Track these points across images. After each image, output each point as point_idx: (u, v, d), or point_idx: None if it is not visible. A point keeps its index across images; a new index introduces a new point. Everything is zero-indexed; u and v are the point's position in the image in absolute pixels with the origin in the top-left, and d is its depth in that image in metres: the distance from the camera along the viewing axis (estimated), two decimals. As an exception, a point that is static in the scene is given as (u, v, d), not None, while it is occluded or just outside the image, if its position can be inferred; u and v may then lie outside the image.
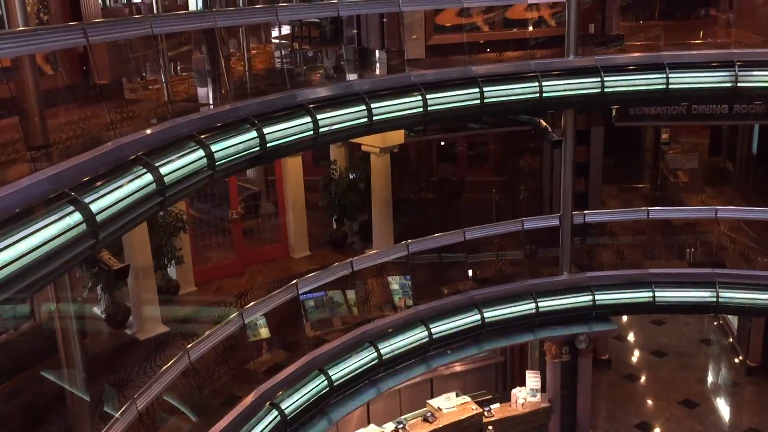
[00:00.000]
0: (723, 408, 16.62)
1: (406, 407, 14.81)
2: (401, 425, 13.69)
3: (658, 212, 14.32)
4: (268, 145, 9.68)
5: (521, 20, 15.51)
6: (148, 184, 7.54)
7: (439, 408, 14.16)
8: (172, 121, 8.60)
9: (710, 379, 17.76)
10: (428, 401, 14.49)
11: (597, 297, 14.05)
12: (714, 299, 13.99)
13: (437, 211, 17.58)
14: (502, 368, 16.33)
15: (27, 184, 6.31)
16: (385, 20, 15.08)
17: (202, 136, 8.68)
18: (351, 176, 16.05)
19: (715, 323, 19.64)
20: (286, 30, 17.24)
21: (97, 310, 13.47)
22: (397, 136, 15.12)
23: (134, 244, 12.35)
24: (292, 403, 10.81)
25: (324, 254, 15.71)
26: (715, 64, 12.87)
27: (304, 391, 11.13)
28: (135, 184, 7.39)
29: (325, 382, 11.48)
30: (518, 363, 16.13)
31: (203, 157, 8.53)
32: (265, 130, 9.60)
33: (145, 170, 7.59)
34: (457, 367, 15.89)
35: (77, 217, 6.47)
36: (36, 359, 11.28)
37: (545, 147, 17.22)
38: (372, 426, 13.85)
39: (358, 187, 15.83)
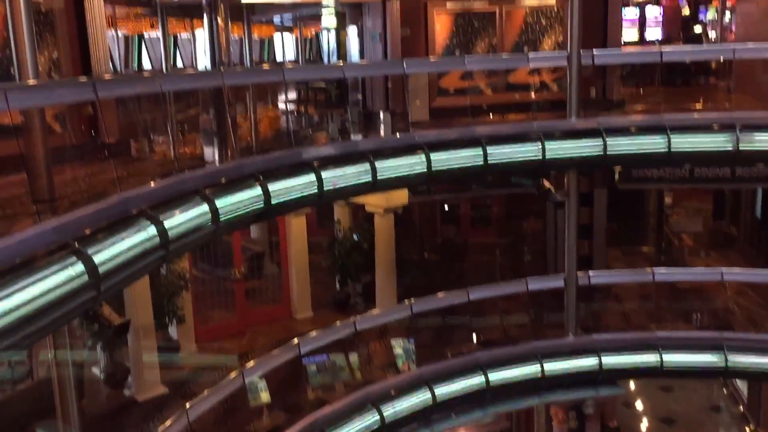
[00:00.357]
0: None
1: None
2: (404, 492, 13.26)
3: (663, 274, 14.21)
4: (273, 201, 9.71)
5: (524, 84, 15.79)
6: (152, 237, 7.53)
7: (443, 475, 13.76)
8: (177, 176, 8.65)
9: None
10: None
11: (604, 360, 13.80)
12: (722, 363, 13.74)
13: (441, 273, 17.51)
14: (507, 434, 15.98)
15: (30, 234, 6.31)
16: (389, 84, 15.38)
17: (207, 191, 8.71)
18: (355, 237, 16.06)
19: (725, 390, 19.27)
20: (292, 95, 17.59)
21: (96, 370, 13.31)
22: (400, 197, 15.20)
23: (135, 302, 12.29)
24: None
25: (327, 315, 15.58)
26: (716, 126, 12.99)
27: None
28: (138, 237, 7.38)
29: (329, 445, 11.22)
30: (524, 430, 15.78)
31: (207, 212, 8.53)
32: (270, 187, 9.65)
33: (149, 223, 7.59)
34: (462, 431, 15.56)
35: (80, 268, 6.44)
36: (33, 419, 11.10)
37: (549, 209, 17.30)
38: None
39: (362, 248, 15.83)
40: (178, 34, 22.73)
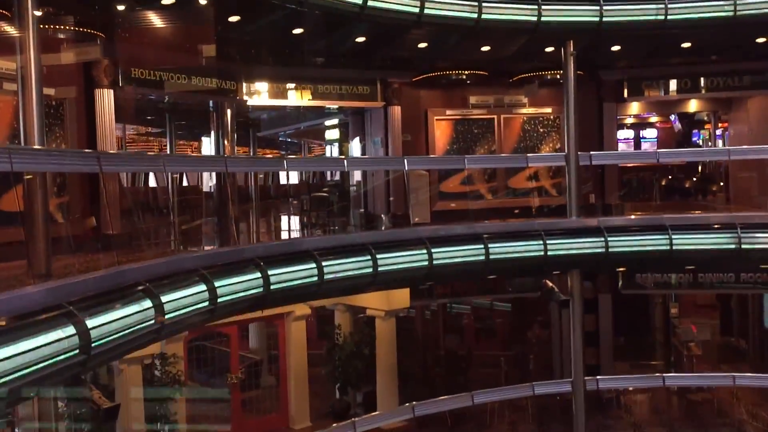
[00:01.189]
0: None
1: None
2: None
3: (674, 379, 13.75)
4: (272, 287, 9.56)
5: (523, 190, 15.98)
6: (146, 309, 7.35)
7: None
8: (177, 255, 8.57)
9: None
10: None
11: (617, 470, 13.13)
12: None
13: (444, 384, 16.93)
14: None
15: (24, 293, 6.18)
16: (390, 191, 15.57)
17: (206, 272, 8.60)
18: (355, 346, 15.64)
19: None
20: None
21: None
22: (402, 299, 15.00)
23: (128, 407, 11.81)
24: None
25: (326, 425, 14.92)
26: (717, 226, 13.01)
27: None
28: (133, 308, 7.21)
29: None
30: None
31: (205, 291, 8.38)
32: (269, 272, 9.53)
33: (144, 296, 7.44)
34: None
35: (70, 330, 6.24)
36: None
37: (553, 316, 17.05)
38: None
39: (363, 354, 15.43)
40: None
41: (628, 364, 18.88)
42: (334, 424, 11.79)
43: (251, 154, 20.00)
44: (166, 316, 7.66)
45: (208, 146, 17.94)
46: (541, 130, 16.34)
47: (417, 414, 12.37)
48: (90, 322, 6.46)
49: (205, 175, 21.00)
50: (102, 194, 8.80)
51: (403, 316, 18.68)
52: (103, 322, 6.65)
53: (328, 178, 20.99)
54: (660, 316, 19.63)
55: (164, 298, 7.69)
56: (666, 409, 14.84)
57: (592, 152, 13.26)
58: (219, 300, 8.66)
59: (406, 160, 12.09)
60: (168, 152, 17.21)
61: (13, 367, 5.54)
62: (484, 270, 12.59)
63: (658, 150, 15.15)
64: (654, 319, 19.19)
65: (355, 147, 17.06)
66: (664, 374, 13.68)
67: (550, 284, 13.42)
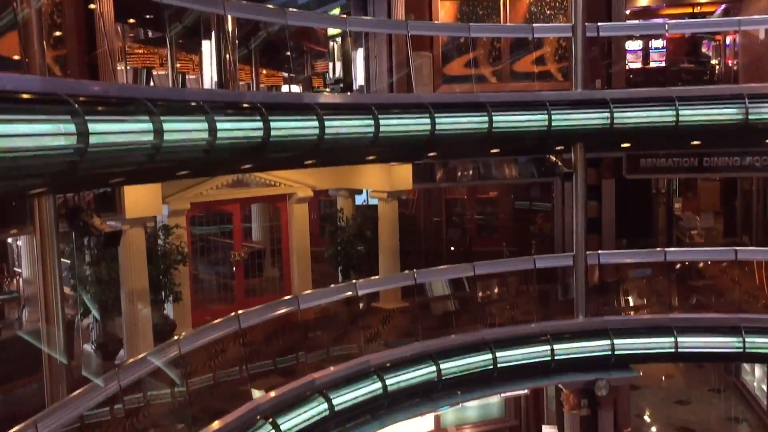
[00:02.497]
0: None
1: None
2: (407, 475, 12.55)
3: (675, 254, 13.78)
4: (272, 135, 9.41)
5: (528, 73, 15.72)
6: (146, 132, 7.26)
7: (448, 461, 13.07)
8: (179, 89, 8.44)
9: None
10: (437, 457, 13.40)
11: (616, 342, 13.25)
12: (740, 346, 13.17)
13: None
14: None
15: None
16: (394, 72, 15.36)
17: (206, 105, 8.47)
18: (357, 229, 15.68)
19: (742, 403, 18.46)
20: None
21: (88, 347, 12.85)
22: (404, 180, 14.95)
23: (130, 267, 11.91)
24: (287, 420, 9.93)
25: (328, 309, 15.07)
26: (724, 97, 12.81)
27: (302, 412, 10.27)
28: (134, 126, 7.13)
29: (326, 406, 10.62)
30: (533, 426, 15.04)
31: (204, 123, 8.28)
32: (271, 119, 9.39)
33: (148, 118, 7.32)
34: (468, 429, 14.82)
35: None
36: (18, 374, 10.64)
37: (556, 209, 17.03)
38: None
39: (365, 236, 15.46)
40: (187, 74, 22.63)
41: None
42: (333, 285, 11.83)
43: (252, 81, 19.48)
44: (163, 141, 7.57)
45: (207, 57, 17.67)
46: (548, 12, 15.98)
47: (418, 281, 12.43)
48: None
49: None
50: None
51: (406, 214, 18.74)
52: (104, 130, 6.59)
53: (331, 75, 20.75)
54: (663, 210, 19.63)
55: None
56: (666, 293, 14.89)
57: (599, 23, 12.97)
58: (218, 140, 8.57)
59: (408, 25, 11.84)
60: (168, 69, 16.88)
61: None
62: (487, 140, 12.45)
63: (668, 21, 14.76)
64: (657, 209, 19.16)
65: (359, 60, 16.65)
66: (666, 249, 13.66)
67: (554, 159, 13.32)
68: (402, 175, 14.93)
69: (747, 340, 13.12)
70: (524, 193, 20.18)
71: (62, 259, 8.81)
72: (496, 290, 16.14)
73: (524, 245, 18.56)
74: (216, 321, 9.93)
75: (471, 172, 16.05)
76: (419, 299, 14.62)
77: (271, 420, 9.75)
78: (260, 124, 9.30)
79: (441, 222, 18.81)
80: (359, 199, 16.75)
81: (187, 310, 13.74)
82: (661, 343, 13.33)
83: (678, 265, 16.09)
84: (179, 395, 9.84)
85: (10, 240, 16.38)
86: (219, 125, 8.57)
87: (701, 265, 17.10)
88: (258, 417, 9.71)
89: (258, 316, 10.28)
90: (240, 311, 9.98)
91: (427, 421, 14.59)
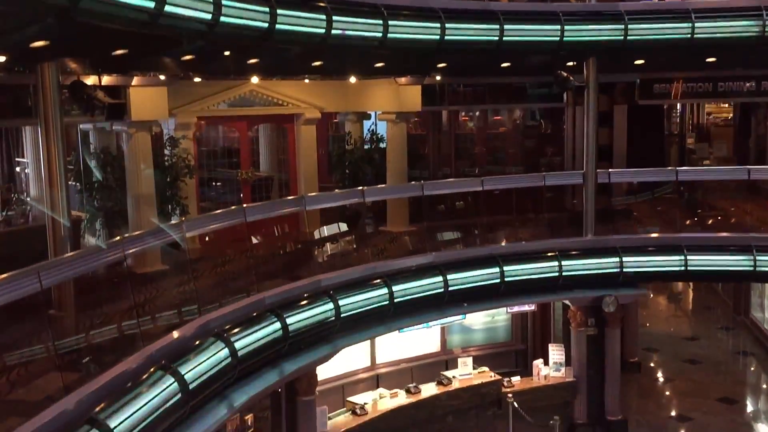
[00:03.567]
0: (765, 404, 15.24)
1: (419, 381, 13.66)
2: (413, 386, 12.55)
3: (687, 173, 13.57)
4: (277, 25, 9.25)
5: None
6: None
7: (453, 376, 13.04)
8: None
9: (750, 381, 16.42)
10: (442, 372, 13.37)
11: (624, 260, 13.14)
12: (751, 265, 13.04)
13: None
14: (522, 355, 15.16)
15: None
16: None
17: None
18: (366, 152, 15.59)
19: (751, 339, 18.37)
20: None
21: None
22: (413, 101, 14.78)
23: (137, 172, 11.85)
24: (292, 315, 9.90)
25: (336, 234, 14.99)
26: (741, 10, 12.51)
27: (311, 311, 10.24)
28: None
29: (333, 309, 10.58)
30: (540, 349, 14.96)
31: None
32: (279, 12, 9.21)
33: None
34: (474, 351, 14.77)
35: None
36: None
37: (566, 139, 16.81)
38: (381, 389, 12.72)
39: (373, 158, 15.35)
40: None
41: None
42: (337, 191, 11.71)
43: None
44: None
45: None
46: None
47: (426, 193, 12.30)
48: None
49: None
50: None
51: (414, 135, 18.57)
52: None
53: None
54: (675, 142, 19.37)
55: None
56: (677, 221, 14.72)
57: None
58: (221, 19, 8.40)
59: None
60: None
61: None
62: (498, 50, 12.23)
63: None
64: (669, 141, 18.92)
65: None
66: (678, 168, 13.47)
67: (565, 74, 13.07)
68: (410, 96, 14.77)
69: (758, 258, 12.98)
70: (534, 129, 20.00)
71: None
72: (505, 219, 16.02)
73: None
74: (221, 210, 9.87)
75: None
76: (428, 224, 14.62)
77: (277, 312, 9.72)
78: (267, 11, 9.16)
79: (450, 156, 18.68)
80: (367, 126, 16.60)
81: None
82: (671, 261, 13.21)
83: (688, 198, 15.97)
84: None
85: (18, 169, 16.42)
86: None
87: (714, 200, 17.00)
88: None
89: (263, 211, 10.25)
90: (245, 205, 9.87)
91: (433, 343, 14.57)
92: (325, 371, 11.71)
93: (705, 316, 20.42)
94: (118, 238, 8.22)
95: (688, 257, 13.15)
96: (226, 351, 8.65)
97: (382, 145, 15.71)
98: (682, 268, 13.22)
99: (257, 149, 16.76)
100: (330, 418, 11.54)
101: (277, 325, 9.68)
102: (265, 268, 11.88)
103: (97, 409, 6.61)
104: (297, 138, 15.38)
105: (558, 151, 18.26)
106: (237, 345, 8.86)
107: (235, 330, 9.00)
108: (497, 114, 20.63)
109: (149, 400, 7.24)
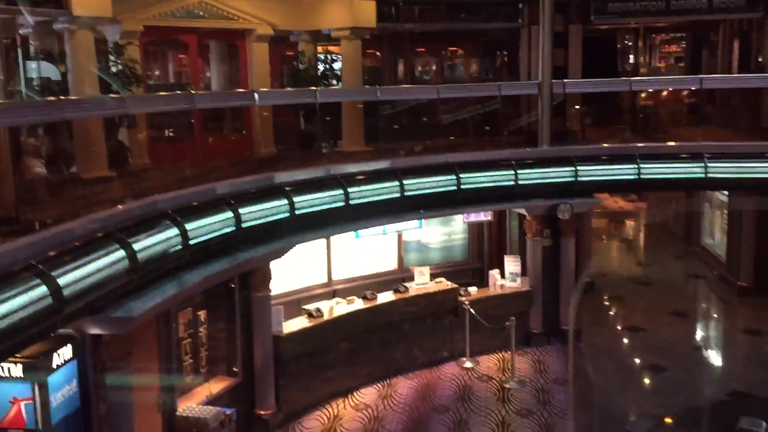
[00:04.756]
0: (717, 315, 15.64)
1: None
2: (369, 292, 12.45)
3: (640, 83, 13.65)
4: None
5: None
6: None
7: (410, 286, 13.00)
8: None
9: (700, 298, 16.84)
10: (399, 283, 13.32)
11: (579, 169, 13.19)
12: (703, 172, 13.21)
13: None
14: (479, 273, 15.16)
15: None
16: None
17: None
18: (319, 71, 15.26)
19: (702, 264, 18.77)
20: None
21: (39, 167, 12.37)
22: (368, 17, 14.49)
23: (81, 72, 11.35)
24: (245, 207, 9.68)
25: (291, 153, 14.72)
26: None
27: (264, 203, 10.03)
28: None
29: (287, 204, 10.38)
30: (496, 267, 14.99)
31: None
32: None
33: None
34: (431, 270, 14.70)
35: None
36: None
37: (521, 55, 16.76)
38: (338, 298, 12.61)
39: (327, 77, 15.05)
40: None
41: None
42: (289, 88, 11.39)
43: None
44: None
45: None
46: None
47: (381, 98, 12.12)
48: None
49: None
50: None
51: (371, 66, 18.34)
52: None
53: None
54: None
55: None
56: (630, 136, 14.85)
57: None
58: None
59: None
60: None
61: None
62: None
63: None
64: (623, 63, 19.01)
65: None
66: (631, 79, 13.55)
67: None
68: (365, 11, 14.49)
69: (709, 165, 13.16)
70: (490, 51, 19.93)
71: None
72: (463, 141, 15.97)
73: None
74: (170, 93, 9.55)
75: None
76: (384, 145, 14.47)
77: (229, 202, 9.50)
78: None
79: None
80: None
81: (142, 140, 13.25)
82: (624, 170, 13.31)
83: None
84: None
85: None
86: None
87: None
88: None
89: (212, 101, 10.00)
90: (194, 91, 9.56)
91: (390, 261, 14.50)
92: (281, 285, 11.58)
93: (658, 247, 20.78)
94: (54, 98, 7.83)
95: (641, 166, 13.27)
96: (175, 230, 8.42)
97: (336, 66, 15.42)
98: (635, 177, 13.34)
99: (209, 76, 16.31)
100: (286, 321, 11.38)
101: (230, 213, 9.47)
102: (217, 175, 11.61)
103: (42, 259, 6.36)
104: (249, 57, 14.95)
105: (515, 73, 18.17)
106: (188, 227, 8.63)
107: (186, 214, 8.76)
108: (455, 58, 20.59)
109: (96, 263, 7.01)
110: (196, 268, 8.83)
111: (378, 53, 18.68)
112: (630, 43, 21.45)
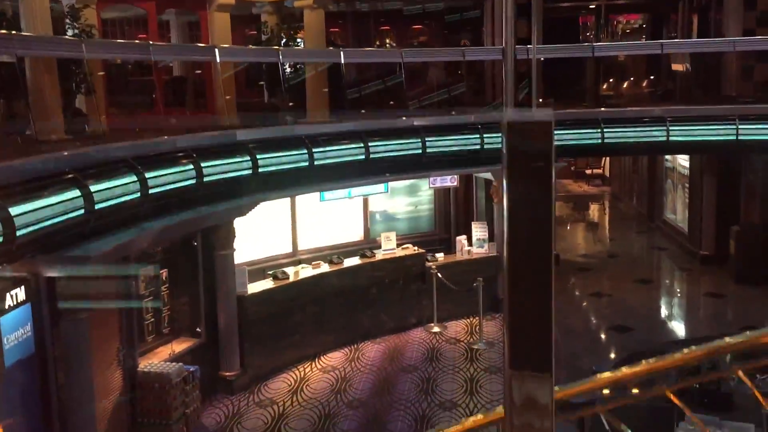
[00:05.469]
0: (680, 282, 15.83)
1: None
2: (335, 256, 12.31)
3: (603, 48, 13.72)
4: None
5: None
6: None
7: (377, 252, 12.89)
8: None
9: (663, 267, 17.01)
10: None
11: (544, 133, 13.20)
12: (664, 135, 13.34)
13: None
14: (446, 243, 15.09)
15: None
16: None
17: None
18: (283, 40, 15.08)
19: (665, 238, 18.98)
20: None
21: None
22: (332, -16, 14.40)
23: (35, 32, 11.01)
24: (206, 162, 9.48)
25: (255, 125, 14.48)
26: None
27: (227, 159, 9.84)
28: None
29: (250, 161, 10.20)
30: (463, 229, 14.94)
31: None
32: None
33: None
34: (398, 241, 14.60)
35: None
36: None
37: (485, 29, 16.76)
38: (303, 264, 12.43)
39: (290, 47, 14.87)
40: None
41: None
42: (252, 46, 11.23)
43: None
44: None
45: None
46: None
47: (345, 60, 12.00)
48: None
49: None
50: None
51: (334, 45, 18.17)
52: None
53: None
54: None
55: None
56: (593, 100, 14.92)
57: None
58: None
59: None
60: None
61: None
62: None
63: None
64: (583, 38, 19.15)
65: None
66: (594, 44, 13.62)
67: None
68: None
69: (671, 129, 13.29)
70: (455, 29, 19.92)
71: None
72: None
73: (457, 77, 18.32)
74: (127, 42, 9.30)
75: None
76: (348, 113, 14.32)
77: (193, 160, 9.29)
78: None
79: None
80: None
81: (101, 108, 12.91)
82: (589, 134, 13.38)
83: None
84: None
85: None
86: None
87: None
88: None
89: (170, 53, 9.76)
90: (152, 42, 9.33)
91: (356, 232, 14.37)
92: (246, 254, 11.38)
93: (623, 226, 20.98)
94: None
95: (605, 130, 13.35)
96: (133, 176, 8.20)
97: (299, 39, 15.27)
98: (599, 141, 13.42)
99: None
100: (251, 284, 11.18)
101: (190, 166, 9.26)
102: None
103: None
104: (210, 29, 14.71)
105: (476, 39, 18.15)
106: (147, 175, 8.41)
107: (145, 162, 8.54)
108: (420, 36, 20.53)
109: (50, 198, 6.77)
110: (157, 219, 8.61)
111: (342, 32, 18.56)
112: (590, 23, 21.66)
